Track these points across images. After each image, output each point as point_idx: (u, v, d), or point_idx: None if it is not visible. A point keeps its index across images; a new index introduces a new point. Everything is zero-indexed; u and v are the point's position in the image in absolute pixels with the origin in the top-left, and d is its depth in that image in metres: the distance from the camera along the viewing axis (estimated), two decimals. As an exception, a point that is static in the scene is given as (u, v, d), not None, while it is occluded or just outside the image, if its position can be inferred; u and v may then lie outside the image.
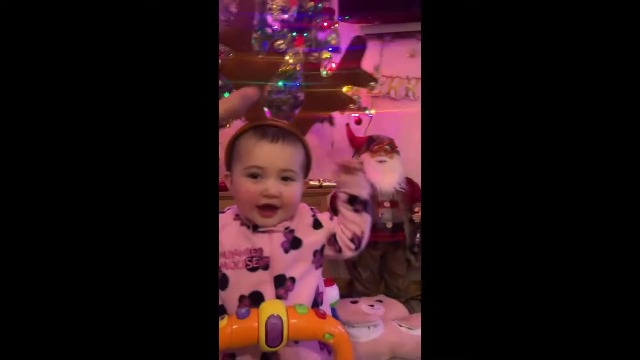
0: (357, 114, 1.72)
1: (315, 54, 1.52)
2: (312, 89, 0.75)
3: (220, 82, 1.39)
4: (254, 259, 0.61)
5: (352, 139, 2.05)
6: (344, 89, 1.66)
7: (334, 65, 1.63)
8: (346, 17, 1.80)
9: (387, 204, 1.73)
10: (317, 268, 0.66)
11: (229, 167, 0.66)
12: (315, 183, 1.71)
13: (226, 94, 0.75)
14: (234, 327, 0.51)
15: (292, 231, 0.64)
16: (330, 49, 1.59)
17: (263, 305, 0.54)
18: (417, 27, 1.92)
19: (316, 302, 0.65)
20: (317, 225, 0.66)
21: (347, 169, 0.67)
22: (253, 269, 0.61)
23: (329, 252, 0.67)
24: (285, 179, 0.62)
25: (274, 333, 0.51)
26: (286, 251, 0.62)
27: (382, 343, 1.38)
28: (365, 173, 0.70)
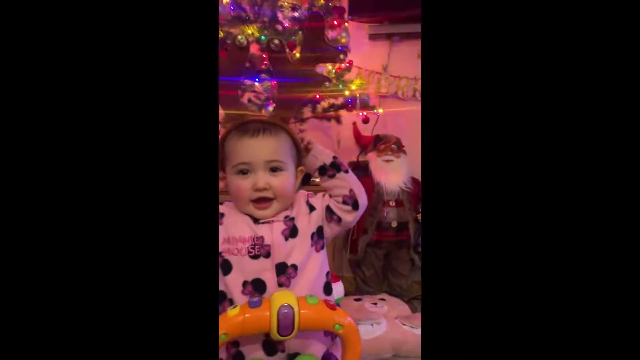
0: (364, 113, 1.73)
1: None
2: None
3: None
4: (256, 246, 0.63)
5: (359, 137, 2.06)
6: (353, 87, 1.67)
7: (343, 65, 1.64)
8: (351, 17, 1.80)
9: (392, 203, 1.74)
10: (318, 251, 0.67)
11: (223, 168, 0.68)
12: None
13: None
14: (246, 315, 0.52)
15: (292, 219, 0.66)
16: (339, 48, 1.60)
17: (275, 295, 0.55)
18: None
19: (328, 286, 0.66)
20: (311, 209, 0.68)
21: (304, 151, 0.69)
22: (255, 257, 0.63)
23: (331, 227, 0.68)
24: (273, 170, 0.64)
25: (286, 322, 0.52)
26: (286, 239, 0.64)
27: (385, 340, 1.39)
28: (315, 144, 0.70)
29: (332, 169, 0.68)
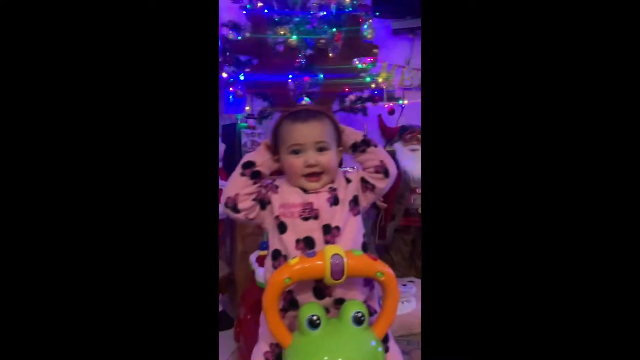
0: (390, 105, 1.81)
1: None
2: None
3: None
4: (306, 210, 0.75)
5: (384, 129, 2.15)
6: (380, 79, 1.74)
7: (368, 60, 1.73)
8: (377, 13, 1.89)
9: (418, 190, 1.81)
10: (355, 215, 0.79)
11: (275, 151, 0.80)
12: (350, 170, 1.82)
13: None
14: (304, 265, 0.63)
15: (334, 189, 0.78)
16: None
17: (326, 248, 0.66)
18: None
19: (364, 246, 0.77)
20: (348, 181, 0.81)
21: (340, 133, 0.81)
22: (306, 219, 0.75)
23: (366, 196, 0.80)
24: (320, 149, 0.76)
25: (337, 268, 0.63)
26: (331, 205, 0.75)
27: (416, 317, 1.47)
28: (345, 127, 0.81)
29: (362, 144, 0.79)
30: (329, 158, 0.77)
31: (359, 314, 0.64)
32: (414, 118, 2.00)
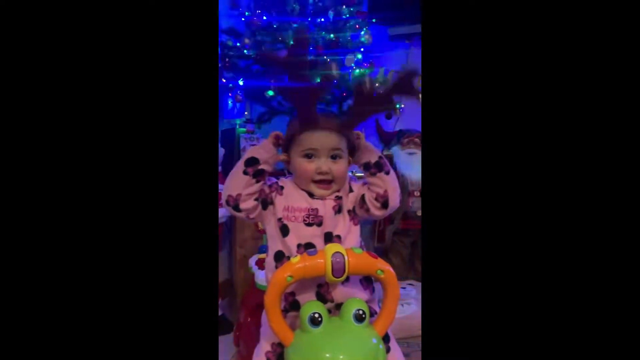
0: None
1: (350, 56, 1.65)
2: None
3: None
4: (311, 216, 0.75)
5: (382, 133, 2.17)
6: (376, 83, 1.77)
7: (365, 65, 1.76)
8: (373, 20, 1.92)
9: (417, 193, 1.83)
10: (355, 225, 0.79)
11: (286, 151, 0.81)
12: (355, 174, 1.84)
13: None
14: (306, 263, 0.64)
15: (340, 197, 0.78)
16: (362, 49, 1.72)
17: (327, 246, 0.67)
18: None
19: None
20: (350, 190, 0.80)
21: (355, 141, 0.79)
22: (309, 224, 0.75)
23: (360, 212, 0.79)
24: (334, 157, 0.76)
25: (338, 266, 0.63)
26: (335, 213, 0.76)
27: (416, 319, 1.47)
28: (364, 141, 0.78)
29: (375, 167, 0.76)
30: (341, 166, 0.76)
31: (360, 311, 0.65)
32: (411, 122, 2.02)
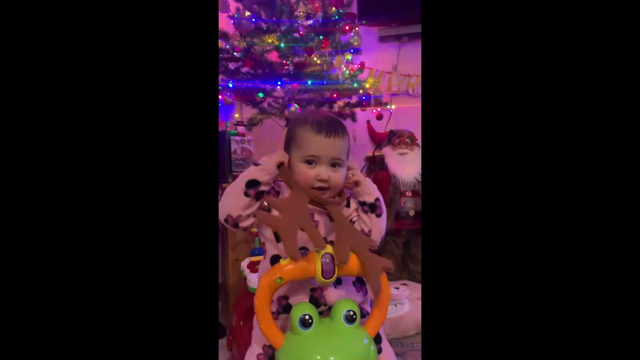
0: (378, 109, 1.84)
1: (339, 56, 1.66)
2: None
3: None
4: None
5: (373, 134, 2.18)
6: (367, 85, 1.78)
7: (355, 66, 1.77)
8: (362, 22, 1.93)
9: (409, 194, 1.84)
10: None
11: (287, 150, 0.80)
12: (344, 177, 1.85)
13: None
14: (295, 265, 0.64)
15: (334, 198, 0.77)
16: (352, 51, 1.73)
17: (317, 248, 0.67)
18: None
19: None
20: (347, 204, 0.80)
21: (353, 185, 0.78)
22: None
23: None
24: (334, 165, 0.76)
25: (328, 267, 0.63)
26: (331, 220, 0.75)
27: (409, 320, 1.48)
28: (365, 181, 0.77)
29: (369, 208, 0.76)
30: (340, 175, 0.76)
31: (351, 312, 0.65)
32: (402, 123, 2.03)
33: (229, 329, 1.38)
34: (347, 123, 1.95)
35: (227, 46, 1.57)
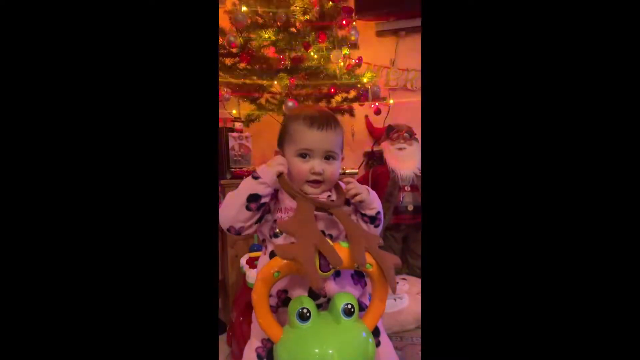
0: (376, 104, 1.83)
1: (336, 51, 1.65)
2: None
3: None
4: None
5: (372, 129, 2.17)
6: (364, 79, 1.77)
7: (354, 61, 1.76)
8: (359, 17, 1.92)
9: (407, 188, 1.83)
10: None
11: (280, 145, 0.80)
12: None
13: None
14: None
15: (333, 201, 0.77)
16: (349, 45, 1.72)
17: (314, 241, 0.67)
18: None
19: None
20: (347, 203, 0.79)
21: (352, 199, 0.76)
22: None
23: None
24: (327, 158, 0.76)
25: (325, 260, 0.63)
26: (329, 214, 0.75)
27: (408, 313, 1.48)
28: (368, 196, 0.76)
29: (369, 219, 0.77)
30: (334, 168, 0.77)
31: (349, 306, 0.65)
32: (400, 118, 2.03)
33: (229, 325, 1.38)
34: (345, 118, 1.95)
35: (224, 42, 1.56)
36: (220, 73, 1.63)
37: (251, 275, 1.18)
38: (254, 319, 0.72)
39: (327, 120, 0.76)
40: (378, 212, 0.78)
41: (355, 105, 1.84)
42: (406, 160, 1.83)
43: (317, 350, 0.60)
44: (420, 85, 2.15)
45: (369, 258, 0.66)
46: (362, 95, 1.75)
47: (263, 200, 0.71)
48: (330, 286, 0.72)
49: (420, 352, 1.27)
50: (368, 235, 0.71)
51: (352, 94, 1.78)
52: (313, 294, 0.70)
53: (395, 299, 1.50)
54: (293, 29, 1.62)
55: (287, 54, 1.57)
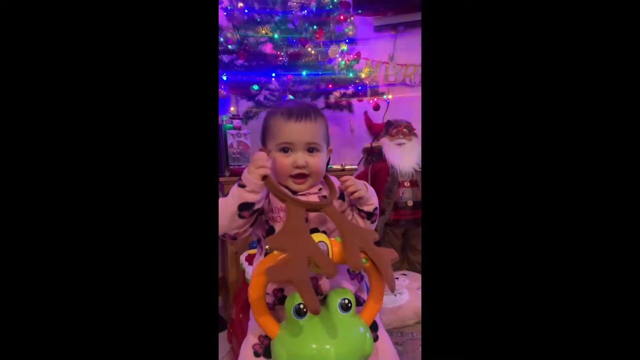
0: (375, 100, 1.82)
1: (334, 46, 1.64)
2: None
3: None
4: None
5: (371, 125, 2.16)
6: (363, 75, 1.76)
7: (351, 57, 1.75)
8: (359, 11, 1.91)
9: (407, 184, 1.83)
10: None
11: (264, 143, 0.79)
12: (338, 167, 1.84)
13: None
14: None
15: (324, 196, 0.76)
16: (347, 41, 1.71)
17: (312, 236, 0.66)
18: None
19: None
20: (341, 197, 0.79)
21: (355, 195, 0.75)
22: None
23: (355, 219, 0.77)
24: (310, 150, 0.74)
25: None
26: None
27: (409, 309, 1.48)
28: (367, 194, 0.74)
29: (366, 215, 0.76)
30: (318, 160, 0.74)
31: (345, 301, 0.65)
32: (399, 113, 2.02)
33: (229, 322, 1.39)
34: (344, 114, 1.94)
35: (221, 38, 1.55)
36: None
37: (250, 271, 1.18)
38: (251, 316, 0.72)
39: (305, 111, 0.74)
40: (375, 208, 0.77)
41: (354, 100, 1.84)
42: (406, 156, 1.83)
43: (314, 346, 0.60)
44: (419, 80, 2.14)
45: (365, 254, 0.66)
46: (361, 91, 1.75)
47: (256, 207, 0.70)
48: (327, 283, 0.72)
49: (420, 348, 1.27)
50: (362, 231, 0.69)
51: (351, 89, 1.78)
52: None
53: (395, 295, 1.50)
54: (290, 25, 1.61)
55: (284, 50, 1.57)
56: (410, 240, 1.89)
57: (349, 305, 0.64)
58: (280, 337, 0.63)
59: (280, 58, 1.58)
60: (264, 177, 0.67)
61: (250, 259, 1.24)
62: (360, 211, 0.76)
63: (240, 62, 1.64)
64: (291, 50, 1.57)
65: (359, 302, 0.73)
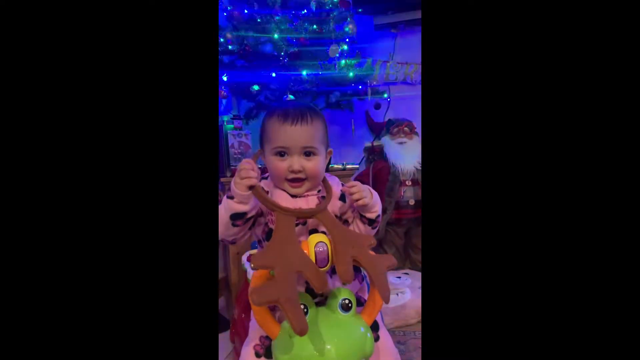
0: (375, 99, 1.82)
1: (334, 46, 1.64)
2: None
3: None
4: None
5: (372, 124, 2.16)
6: (363, 74, 1.75)
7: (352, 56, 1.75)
8: (359, 10, 1.90)
9: (408, 182, 1.83)
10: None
11: (261, 145, 0.78)
12: (339, 166, 1.84)
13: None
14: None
15: (323, 197, 0.75)
16: (347, 40, 1.71)
17: (310, 237, 0.66)
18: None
19: None
20: (342, 198, 0.78)
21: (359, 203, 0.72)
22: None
23: (357, 225, 0.77)
24: (307, 154, 0.72)
25: (322, 255, 0.63)
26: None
27: (410, 308, 1.48)
28: (371, 199, 0.72)
29: (368, 221, 0.75)
30: (315, 164, 0.72)
31: (346, 301, 0.65)
32: (400, 112, 2.01)
33: (231, 322, 1.39)
34: (345, 113, 1.94)
35: (221, 39, 1.56)
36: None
37: (252, 271, 1.18)
38: (252, 317, 0.73)
39: (301, 114, 0.71)
40: (378, 216, 0.75)
41: (355, 99, 1.83)
42: (407, 154, 1.83)
43: (314, 346, 0.60)
44: (419, 78, 2.14)
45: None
46: (361, 90, 1.74)
47: (249, 215, 0.69)
48: (328, 283, 0.72)
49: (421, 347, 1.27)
50: (358, 237, 0.67)
51: (351, 89, 1.77)
52: (310, 292, 0.70)
53: (397, 294, 1.50)
54: (290, 25, 1.61)
55: (284, 49, 1.57)
56: (412, 239, 1.89)
57: (350, 305, 0.64)
58: (280, 337, 0.63)
59: (281, 58, 1.58)
60: (251, 187, 0.66)
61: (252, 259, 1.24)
62: (362, 217, 0.75)
63: (240, 62, 1.64)
64: (291, 49, 1.57)
65: (360, 302, 0.73)
